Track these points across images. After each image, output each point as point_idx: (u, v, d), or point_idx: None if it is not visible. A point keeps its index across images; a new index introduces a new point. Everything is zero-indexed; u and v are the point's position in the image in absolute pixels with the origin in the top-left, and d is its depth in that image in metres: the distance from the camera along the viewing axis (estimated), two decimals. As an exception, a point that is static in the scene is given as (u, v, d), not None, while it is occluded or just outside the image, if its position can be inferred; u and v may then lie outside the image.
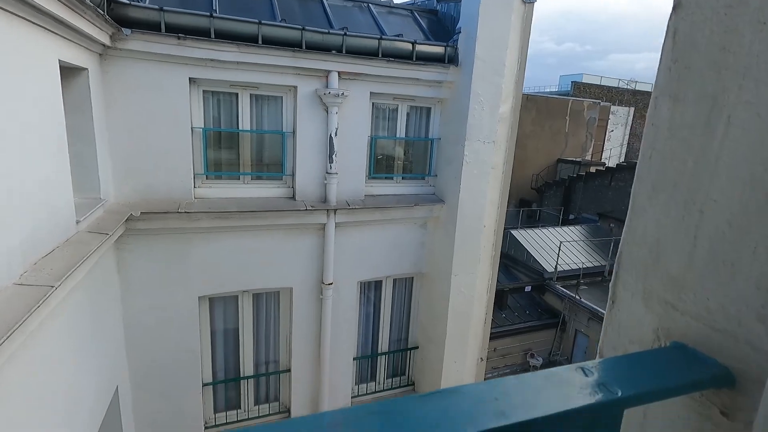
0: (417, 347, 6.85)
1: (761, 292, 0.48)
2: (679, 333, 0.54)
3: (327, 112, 5.35)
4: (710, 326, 0.52)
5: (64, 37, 3.34)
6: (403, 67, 5.52)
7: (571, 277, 14.11)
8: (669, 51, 0.58)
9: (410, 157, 6.39)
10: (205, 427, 5.70)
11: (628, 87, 30.66)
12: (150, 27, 4.35)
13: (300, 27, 4.92)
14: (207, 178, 5.21)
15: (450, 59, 5.73)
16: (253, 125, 5.31)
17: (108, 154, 4.45)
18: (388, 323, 6.68)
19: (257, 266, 5.47)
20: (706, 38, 0.53)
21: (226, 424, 5.86)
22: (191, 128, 4.88)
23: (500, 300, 12.92)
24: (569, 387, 0.42)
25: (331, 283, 5.80)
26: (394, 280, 6.57)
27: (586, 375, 0.44)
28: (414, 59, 5.55)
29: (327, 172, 5.49)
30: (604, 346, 0.68)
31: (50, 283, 2.70)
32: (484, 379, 6.80)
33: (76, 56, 3.65)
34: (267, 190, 5.50)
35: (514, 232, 15.53)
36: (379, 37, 5.37)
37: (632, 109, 27.58)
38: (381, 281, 6.47)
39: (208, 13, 4.56)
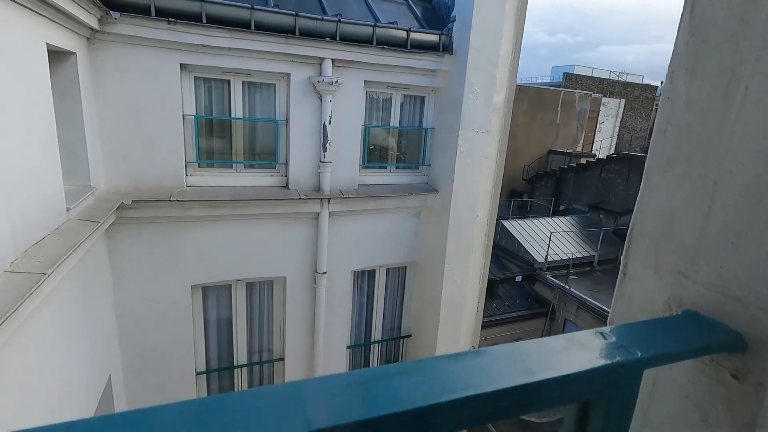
0: (410, 335, 6.91)
1: None
2: (691, 301, 0.56)
3: (321, 100, 5.31)
4: (722, 294, 0.54)
5: (51, 20, 3.25)
6: (397, 55, 5.48)
7: (561, 267, 14.29)
8: (686, 25, 0.58)
9: (404, 147, 6.38)
10: (199, 416, 5.70)
11: (619, 79, 30.86)
12: (139, 11, 4.25)
13: (293, 13, 4.85)
14: (199, 167, 5.15)
15: (444, 48, 5.70)
16: (246, 113, 5.25)
17: (98, 141, 4.37)
18: (381, 312, 6.72)
19: (251, 255, 5.45)
20: (724, 10, 0.54)
21: (220, 412, 5.87)
22: (182, 115, 4.81)
23: (491, 290, 13.05)
24: (590, 349, 0.43)
25: (325, 272, 5.80)
26: (388, 269, 6.60)
27: (605, 338, 0.45)
28: (408, 47, 5.51)
29: (321, 161, 5.46)
30: (614, 317, 0.69)
31: (42, 270, 2.66)
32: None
33: (64, 40, 3.56)
34: (260, 179, 5.46)
35: (505, 222, 15.65)
36: (373, 24, 5.32)
37: (623, 101, 27.80)
38: (374, 270, 6.49)
39: (199, -3, 4.46)
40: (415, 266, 6.65)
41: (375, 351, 6.83)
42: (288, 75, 5.16)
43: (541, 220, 16.68)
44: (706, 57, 0.56)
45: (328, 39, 5.05)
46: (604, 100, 26.26)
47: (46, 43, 3.18)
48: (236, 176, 5.34)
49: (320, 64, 5.17)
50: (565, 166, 21.13)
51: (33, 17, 2.99)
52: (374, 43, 5.31)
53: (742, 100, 0.53)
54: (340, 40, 5.12)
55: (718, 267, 0.55)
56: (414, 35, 5.53)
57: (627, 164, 17.43)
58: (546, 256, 14.46)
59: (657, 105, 33.87)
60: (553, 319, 13.81)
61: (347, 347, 6.47)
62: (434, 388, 0.33)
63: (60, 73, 3.75)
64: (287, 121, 5.33)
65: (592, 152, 24.36)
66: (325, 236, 5.66)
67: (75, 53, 3.81)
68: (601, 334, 0.46)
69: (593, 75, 30.20)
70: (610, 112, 26.81)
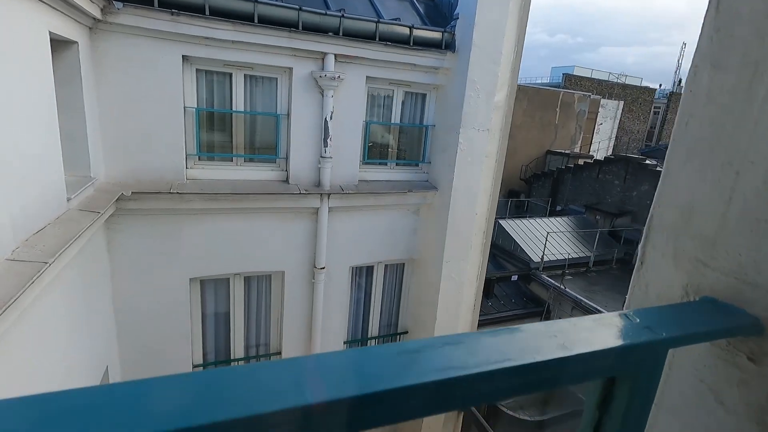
0: (407, 332, 6.94)
1: None
2: (709, 288, 0.58)
3: (322, 95, 5.30)
4: (741, 280, 0.55)
5: (55, 8, 3.23)
6: (399, 52, 5.48)
7: (557, 267, 14.38)
8: (711, 20, 0.60)
9: (404, 144, 6.39)
10: (195, 409, 5.71)
11: (618, 81, 30.97)
12: (143, 1, 4.23)
13: (297, 7, 4.84)
14: (199, 159, 5.14)
15: (447, 45, 5.70)
16: (247, 106, 5.24)
17: (98, 131, 4.35)
18: (378, 308, 6.74)
19: (249, 249, 5.45)
20: (750, 6, 0.56)
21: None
22: (184, 108, 4.79)
23: (487, 288, 13.09)
24: (617, 328, 0.45)
25: (323, 268, 5.81)
26: (386, 266, 6.62)
27: (629, 319, 0.46)
28: (411, 44, 5.51)
29: (321, 156, 5.46)
30: (630, 304, 0.71)
31: (43, 259, 2.66)
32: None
33: (66, 28, 3.53)
34: (260, 173, 5.45)
35: (502, 222, 15.70)
36: (376, 20, 5.32)
37: (621, 102, 27.90)
38: (373, 266, 6.51)
39: (202, -11, 4.44)
40: (413, 263, 6.67)
41: (372, 347, 6.85)
42: (290, 69, 5.16)
43: (538, 220, 16.76)
44: (731, 51, 0.58)
45: (331, 34, 5.04)
46: (603, 101, 26.36)
47: (49, 32, 3.16)
48: (236, 170, 5.33)
49: (323, 59, 5.16)
50: (563, 167, 21.20)
51: (37, 4, 2.97)
52: (377, 39, 5.31)
53: (766, 93, 0.55)
54: (343, 35, 5.11)
55: (737, 254, 0.56)
56: (417, 32, 5.53)
57: (624, 166, 17.52)
58: (542, 256, 14.53)
59: (655, 108, 34.00)
60: (547, 319, 13.89)
61: (344, 342, 6.49)
62: (478, 358, 0.34)
63: (61, 63, 3.73)
64: (288, 115, 5.32)
65: (590, 153, 24.45)
66: (324, 231, 5.66)
67: (77, 42, 3.78)
68: (626, 315, 0.47)
69: (593, 76, 30.30)
70: (609, 114, 26.92)
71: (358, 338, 6.71)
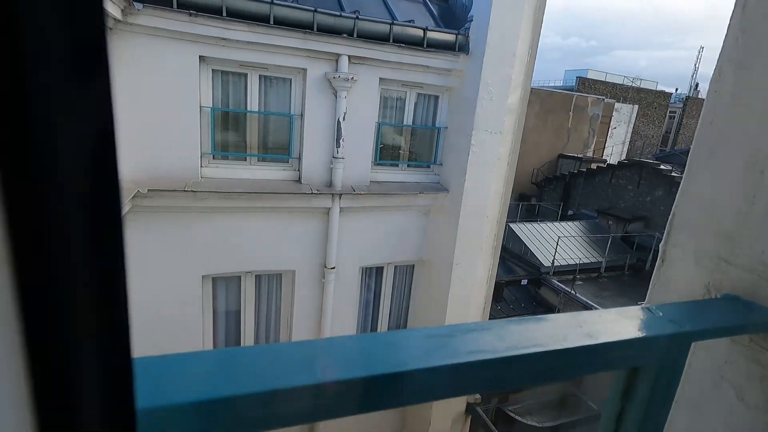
0: (415, 334, 6.94)
1: None
2: (731, 286, 0.58)
3: (336, 96, 5.34)
4: (764, 277, 0.55)
5: (78, 8, 3.31)
6: (413, 54, 5.50)
7: (568, 272, 14.23)
8: (737, 22, 0.60)
9: (416, 145, 6.40)
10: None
11: (633, 84, 30.60)
12: (161, 2, 4.31)
13: (312, 9, 4.89)
14: (214, 158, 5.21)
15: (460, 47, 5.71)
16: (262, 107, 5.30)
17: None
18: (387, 309, 6.75)
19: (261, 248, 5.50)
20: None
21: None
22: (200, 107, 4.87)
23: (496, 292, 13.01)
24: (642, 321, 0.45)
25: (334, 267, 5.84)
26: (396, 267, 6.63)
27: (653, 313, 0.47)
28: (425, 46, 5.53)
29: (333, 157, 5.49)
30: (651, 301, 0.71)
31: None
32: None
33: (88, 28, 3.62)
34: (273, 173, 5.51)
35: (512, 225, 15.59)
36: (390, 22, 5.35)
37: (636, 106, 27.56)
38: (382, 267, 6.52)
39: (220, -9, 4.51)
40: (422, 265, 6.67)
41: (380, 348, 6.86)
42: (304, 70, 5.21)
43: (549, 224, 16.60)
44: (756, 52, 0.58)
45: (345, 35, 5.08)
46: (617, 105, 26.06)
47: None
48: (250, 169, 5.39)
49: (337, 60, 5.20)
50: (575, 171, 20.99)
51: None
52: (391, 41, 5.34)
53: None
54: (358, 36, 5.15)
55: (760, 252, 0.56)
56: (431, 34, 5.55)
57: (638, 171, 17.29)
58: (553, 261, 14.40)
59: (671, 112, 33.48)
60: (557, 324, 13.74)
61: (353, 343, 6.51)
62: (506, 343, 0.35)
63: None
64: (302, 115, 5.37)
65: (603, 158, 24.18)
66: (335, 231, 5.70)
67: (98, 42, 3.87)
68: (648, 309, 0.48)
69: (606, 80, 29.98)
70: (623, 118, 26.60)
71: (366, 339, 6.73)
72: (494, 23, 5.32)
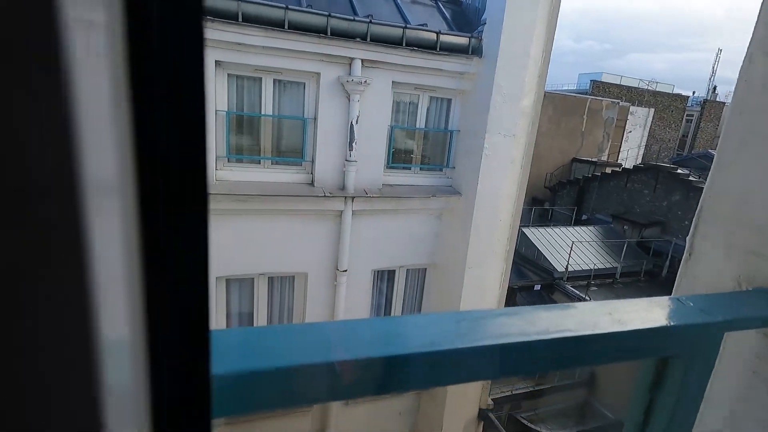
0: (427, 338, 6.90)
1: None
2: (763, 279, 0.56)
3: (349, 99, 5.38)
4: None
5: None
6: (426, 57, 5.52)
7: (582, 277, 14.01)
8: (767, 9, 0.59)
9: (429, 148, 6.39)
10: (218, 406, 5.82)
11: (648, 88, 30.16)
12: (179, 8, 4.40)
13: (326, 13, 4.94)
14: (228, 161, 5.28)
15: (474, 50, 5.70)
16: (276, 110, 5.36)
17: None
18: (399, 312, 6.73)
19: (274, 250, 5.55)
20: None
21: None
22: (215, 111, 4.94)
23: (509, 297, 12.87)
24: (672, 310, 0.44)
25: (346, 270, 5.86)
26: (408, 270, 6.61)
27: (683, 303, 0.46)
28: (438, 49, 5.54)
29: (346, 160, 5.52)
30: (678, 294, 0.70)
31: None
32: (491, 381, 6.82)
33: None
34: (286, 175, 5.56)
35: (525, 230, 15.43)
36: (403, 26, 5.37)
37: (652, 110, 27.13)
38: (394, 270, 6.51)
39: (236, -3, 4.59)
40: (435, 268, 6.64)
41: (392, 351, 6.83)
42: (318, 74, 5.25)
43: (563, 228, 16.41)
44: None
45: (358, 39, 5.12)
46: (632, 108, 25.70)
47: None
48: (263, 172, 5.45)
49: (350, 64, 5.24)
50: (589, 175, 20.72)
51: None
52: (404, 45, 5.36)
53: None
54: (371, 40, 5.18)
55: None
56: (444, 37, 5.56)
57: (654, 175, 16.99)
58: (566, 266, 14.20)
59: (688, 116, 32.89)
60: (571, 330, 13.54)
61: (364, 346, 6.50)
62: (537, 327, 0.35)
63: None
64: (315, 119, 5.42)
65: (618, 162, 23.83)
66: (347, 234, 5.71)
67: (118, 48, 3.96)
68: (678, 299, 0.47)
69: (621, 83, 29.60)
70: (639, 122, 26.21)
71: (378, 342, 6.71)
72: (508, 26, 5.30)
